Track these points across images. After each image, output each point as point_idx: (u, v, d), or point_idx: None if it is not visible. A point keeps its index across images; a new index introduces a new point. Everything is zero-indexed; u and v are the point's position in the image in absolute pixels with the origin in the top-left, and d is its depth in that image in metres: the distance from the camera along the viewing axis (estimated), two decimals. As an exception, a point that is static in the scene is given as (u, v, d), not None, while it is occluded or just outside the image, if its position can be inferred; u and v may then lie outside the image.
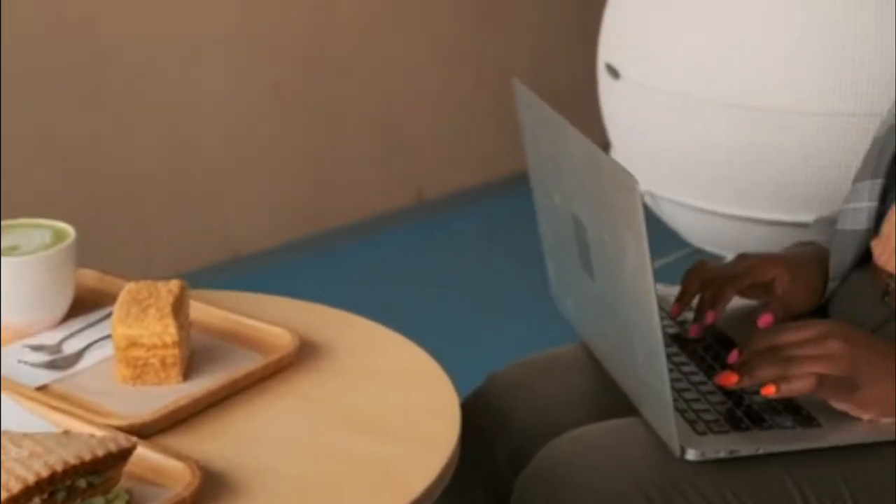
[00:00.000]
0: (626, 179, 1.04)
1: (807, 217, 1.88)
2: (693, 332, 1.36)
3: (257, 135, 3.01)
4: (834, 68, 1.83)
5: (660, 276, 2.29)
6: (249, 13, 2.90)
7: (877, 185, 1.38)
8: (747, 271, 1.37)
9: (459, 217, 3.34)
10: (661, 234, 2.18)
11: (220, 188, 2.98)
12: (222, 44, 2.88)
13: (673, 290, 1.39)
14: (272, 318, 1.30)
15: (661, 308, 1.34)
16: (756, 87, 1.86)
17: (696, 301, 1.38)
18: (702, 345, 1.35)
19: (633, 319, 1.15)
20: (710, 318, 1.34)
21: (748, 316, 1.38)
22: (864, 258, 1.39)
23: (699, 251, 2.15)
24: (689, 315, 1.38)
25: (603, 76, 2.08)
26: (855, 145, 1.80)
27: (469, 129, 3.45)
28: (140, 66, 2.76)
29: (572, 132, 1.17)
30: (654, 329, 1.09)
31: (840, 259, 1.40)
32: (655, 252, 2.26)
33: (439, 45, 3.32)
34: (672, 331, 1.38)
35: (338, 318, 1.35)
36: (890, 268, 1.32)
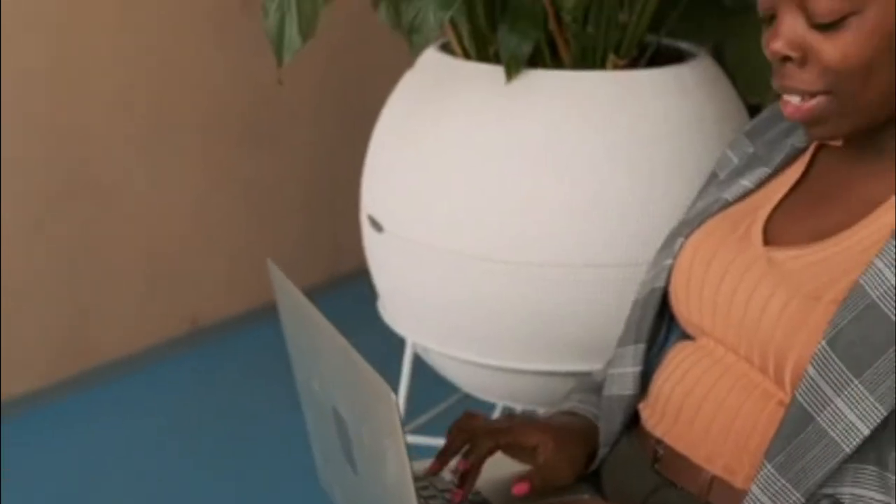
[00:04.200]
0: (381, 389, 1.00)
1: (577, 367, 1.88)
2: (457, 497, 1.32)
3: (18, 269, 2.88)
4: (592, 220, 1.84)
5: (433, 425, 2.28)
6: (8, 143, 2.79)
7: (639, 349, 1.38)
8: (510, 429, 1.34)
9: (235, 344, 3.27)
10: (433, 381, 2.15)
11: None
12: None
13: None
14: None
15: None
16: (515, 242, 1.85)
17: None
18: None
19: (398, 523, 1.09)
20: (461, 465, 1.31)
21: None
22: (634, 421, 1.38)
23: (470, 396, 2.13)
24: None
25: (367, 227, 2.05)
26: (618, 295, 1.81)
27: (243, 255, 3.40)
28: None
29: (328, 330, 1.12)
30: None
31: (609, 425, 1.39)
32: (428, 400, 2.27)
33: (210, 170, 3.27)
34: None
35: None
36: (658, 433, 1.32)
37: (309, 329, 1.21)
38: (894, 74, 1.18)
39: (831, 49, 1.17)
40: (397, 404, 1.00)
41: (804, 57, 1.18)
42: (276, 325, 3.20)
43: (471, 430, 1.33)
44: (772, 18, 1.21)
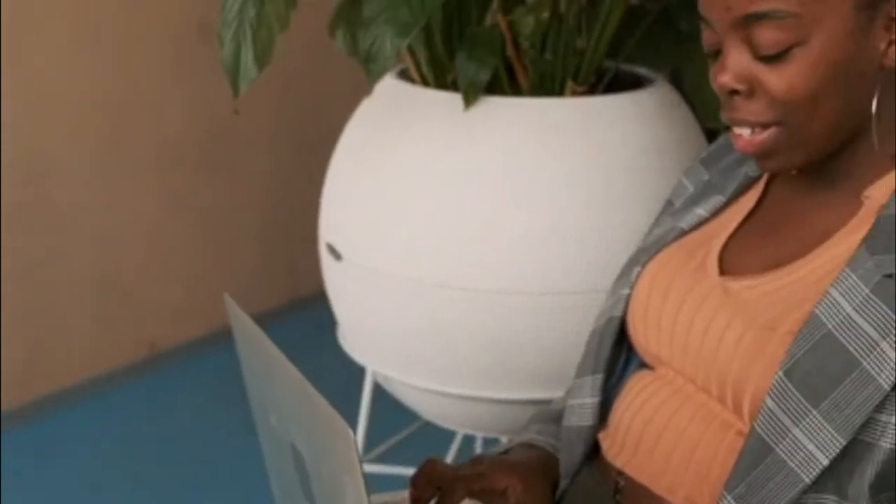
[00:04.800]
0: (339, 426, 0.99)
1: (537, 395, 1.88)
2: None
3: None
4: (551, 247, 1.84)
5: (394, 454, 2.26)
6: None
7: (597, 379, 1.37)
8: (480, 475, 1.33)
9: (194, 369, 3.26)
10: (393, 408, 2.14)
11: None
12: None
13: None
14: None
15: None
16: (474, 269, 1.85)
17: None
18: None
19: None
20: None
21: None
22: (594, 452, 1.37)
23: (431, 423, 2.12)
24: None
25: (325, 255, 2.04)
26: (578, 322, 1.80)
27: (201, 280, 3.38)
28: None
29: (285, 365, 1.11)
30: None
31: (569, 456, 1.38)
32: (388, 428, 2.26)
33: (167, 195, 3.25)
34: None
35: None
36: (619, 463, 1.31)
37: (266, 364, 1.20)
38: (842, 104, 1.18)
39: (777, 80, 1.17)
40: (356, 441, 0.99)
41: (751, 89, 1.19)
42: (234, 350, 3.20)
43: (439, 478, 1.32)
44: (717, 53, 1.22)
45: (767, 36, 1.16)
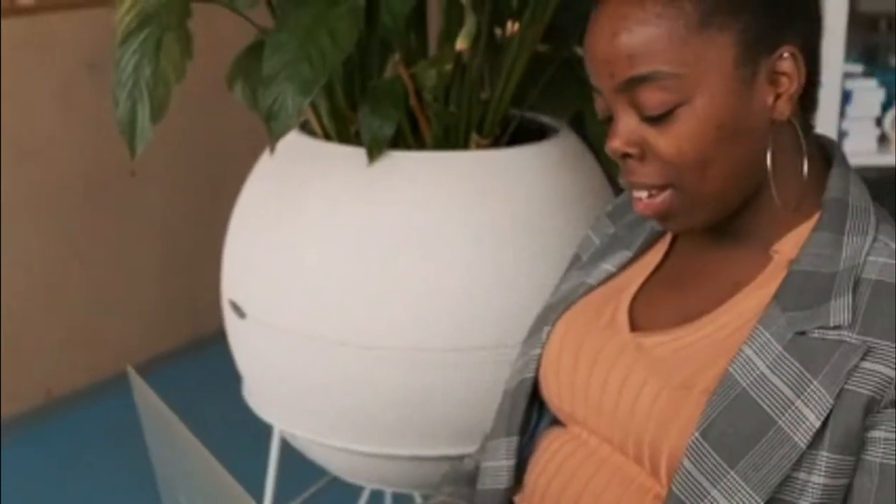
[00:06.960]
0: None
1: (446, 451, 1.85)
2: None
3: None
4: (459, 302, 1.82)
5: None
6: None
7: (512, 442, 1.36)
8: None
9: (92, 414, 3.20)
10: (301, 461, 2.10)
11: None
12: None
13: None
14: None
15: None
16: (380, 326, 1.82)
17: None
18: None
19: None
20: None
21: None
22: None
23: (339, 478, 2.09)
24: None
25: (228, 312, 2.00)
26: (487, 378, 1.79)
27: (99, 323, 3.32)
28: None
29: (195, 446, 1.07)
30: None
31: (484, 521, 1.36)
32: (296, 484, 2.21)
33: (61, 239, 3.20)
34: None
35: None
36: (537, 525, 1.30)
37: (173, 442, 1.16)
38: (734, 163, 1.18)
39: (665, 143, 1.17)
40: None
41: (643, 152, 1.19)
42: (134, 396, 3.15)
43: None
44: (610, 119, 1.22)
45: (651, 97, 1.17)
